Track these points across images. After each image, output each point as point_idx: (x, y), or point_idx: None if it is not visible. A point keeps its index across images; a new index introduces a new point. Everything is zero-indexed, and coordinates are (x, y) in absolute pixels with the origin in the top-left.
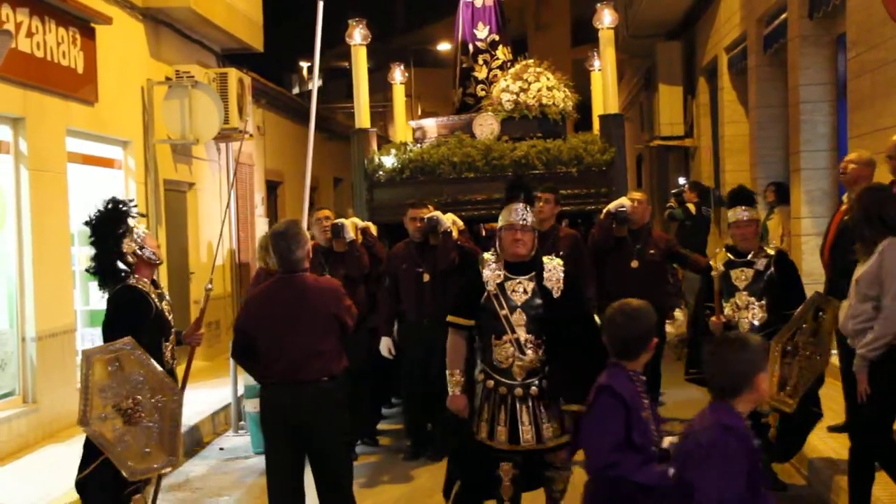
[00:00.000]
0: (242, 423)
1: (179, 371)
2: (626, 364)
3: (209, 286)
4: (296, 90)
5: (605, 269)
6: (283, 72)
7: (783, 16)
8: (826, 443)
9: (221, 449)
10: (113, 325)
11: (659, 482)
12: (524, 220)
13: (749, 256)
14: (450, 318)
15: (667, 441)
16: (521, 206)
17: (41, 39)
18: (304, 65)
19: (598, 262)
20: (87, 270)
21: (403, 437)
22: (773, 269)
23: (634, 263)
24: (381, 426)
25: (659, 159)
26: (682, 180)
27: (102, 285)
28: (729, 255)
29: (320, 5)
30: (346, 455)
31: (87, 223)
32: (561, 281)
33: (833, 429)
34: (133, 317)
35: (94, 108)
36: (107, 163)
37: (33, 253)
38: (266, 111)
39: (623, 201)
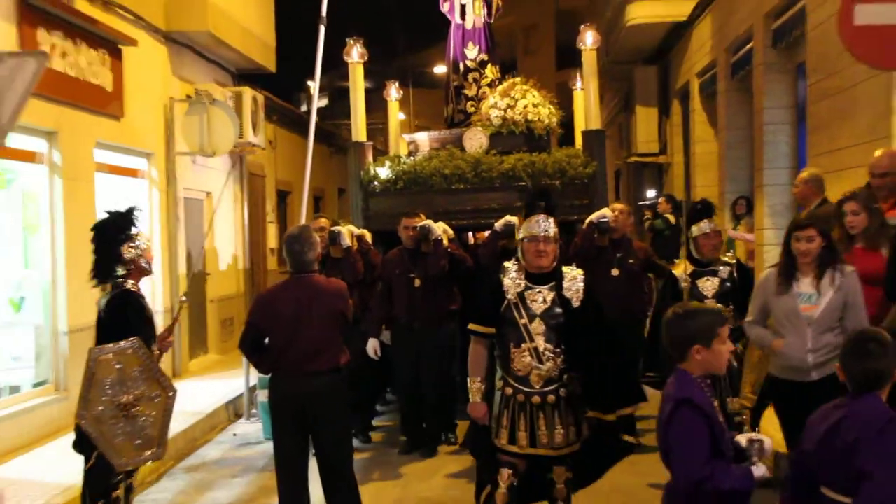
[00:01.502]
0: (254, 411)
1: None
2: (689, 368)
3: (183, 298)
4: (304, 108)
5: (587, 276)
6: (293, 91)
7: (749, 45)
8: None
9: (235, 435)
10: (113, 327)
11: (748, 485)
12: (546, 231)
13: (710, 266)
14: (471, 327)
15: (744, 439)
16: (542, 217)
17: (73, 60)
18: (311, 84)
19: (580, 269)
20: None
21: (397, 433)
22: (735, 275)
23: (615, 272)
24: (374, 422)
25: (635, 174)
26: (650, 193)
27: (101, 280)
28: (691, 265)
29: (322, 29)
30: (349, 441)
31: (94, 227)
32: (581, 291)
33: None
34: (133, 320)
35: (121, 122)
36: (132, 173)
37: (65, 254)
38: (277, 126)
39: (605, 212)
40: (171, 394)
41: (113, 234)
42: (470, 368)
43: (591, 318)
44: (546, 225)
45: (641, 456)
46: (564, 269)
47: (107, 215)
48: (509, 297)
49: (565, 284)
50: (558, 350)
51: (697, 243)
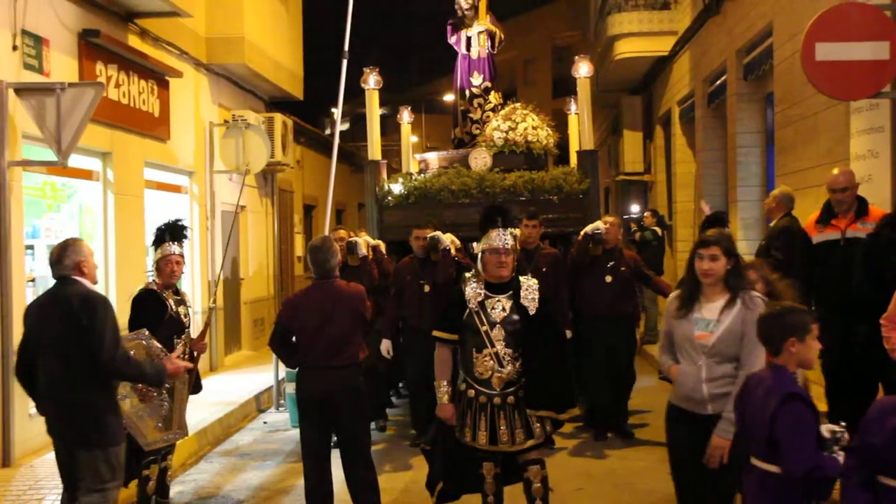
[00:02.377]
0: (282, 401)
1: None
2: (784, 363)
3: (212, 304)
4: (328, 131)
5: (583, 283)
6: (319, 116)
7: (723, 77)
8: None
9: (265, 423)
10: (134, 321)
11: (839, 472)
12: (506, 244)
13: None
14: (435, 333)
15: (826, 430)
16: (502, 230)
17: (126, 89)
18: (335, 111)
19: (576, 277)
20: None
21: (408, 427)
22: None
23: (608, 279)
24: (389, 415)
25: (623, 191)
26: (634, 209)
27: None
28: None
29: (344, 62)
30: (367, 428)
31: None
32: (537, 300)
33: None
34: (149, 315)
35: (167, 144)
36: (175, 189)
37: (116, 260)
38: (304, 148)
39: (598, 224)
40: (182, 379)
41: (154, 241)
42: (436, 373)
43: (546, 324)
44: (506, 238)
45: (638, 448)
46: (521, 278)
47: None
48: (471, 305)
49: (522, 293)
50: (517, 354)
51: None
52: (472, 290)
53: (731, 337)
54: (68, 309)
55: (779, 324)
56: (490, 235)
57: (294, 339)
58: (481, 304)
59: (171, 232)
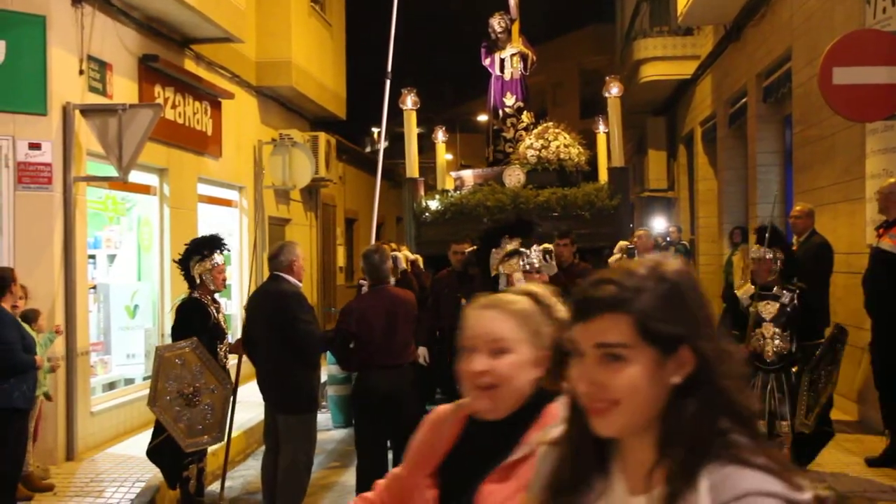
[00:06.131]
0: (324, 403)
1: (232, 369)
2: None
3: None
4: (368, 149)
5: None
6: (360, 135)
7: (744, 99)
8: (834, 455)
9: None
10: (179, 329)
11: None
12: (536, 263)
13: (774, 290)
14: None
15: None
16: (537, 249)
17: (182, 110)
18: (375, 130)
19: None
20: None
21: None
22: (797, 302)
23: None
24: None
25: (648, 206)
26: (657, 224)
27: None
28: (754, 288)
29: (387, 84)
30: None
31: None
32: None
33: (872, 463)
34: (195, 323)
35: (219, 161)
36: (226, 203)
37: (171, 270)
38: (346, 165)
39: (624, 244)
40: (228, 387)
41: (191, 252)
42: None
43: None
44: (537, 256)
45: None
46: None
47: (199, 237)
48: None
49: None
50: None
51: (754, 267)
52: None
53: None
54: (272, 303)
55: None
56: (512, 261)
57: (351, 344)
58: None
59: (217, 244)
